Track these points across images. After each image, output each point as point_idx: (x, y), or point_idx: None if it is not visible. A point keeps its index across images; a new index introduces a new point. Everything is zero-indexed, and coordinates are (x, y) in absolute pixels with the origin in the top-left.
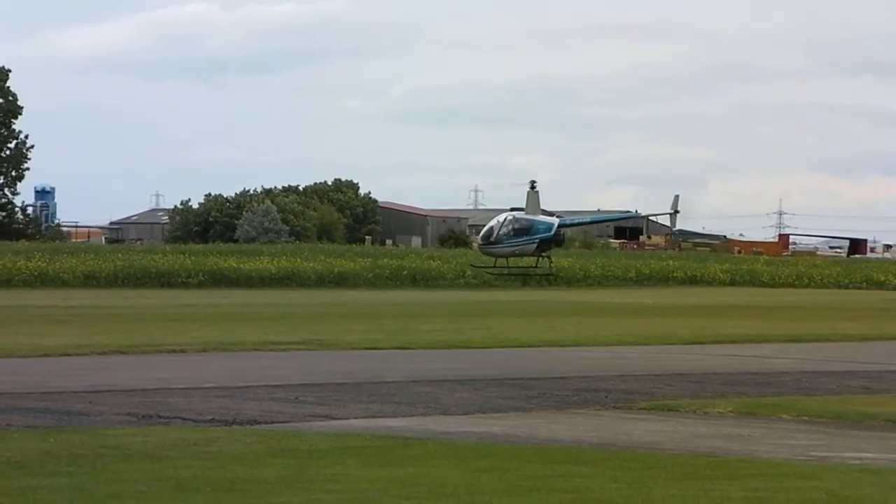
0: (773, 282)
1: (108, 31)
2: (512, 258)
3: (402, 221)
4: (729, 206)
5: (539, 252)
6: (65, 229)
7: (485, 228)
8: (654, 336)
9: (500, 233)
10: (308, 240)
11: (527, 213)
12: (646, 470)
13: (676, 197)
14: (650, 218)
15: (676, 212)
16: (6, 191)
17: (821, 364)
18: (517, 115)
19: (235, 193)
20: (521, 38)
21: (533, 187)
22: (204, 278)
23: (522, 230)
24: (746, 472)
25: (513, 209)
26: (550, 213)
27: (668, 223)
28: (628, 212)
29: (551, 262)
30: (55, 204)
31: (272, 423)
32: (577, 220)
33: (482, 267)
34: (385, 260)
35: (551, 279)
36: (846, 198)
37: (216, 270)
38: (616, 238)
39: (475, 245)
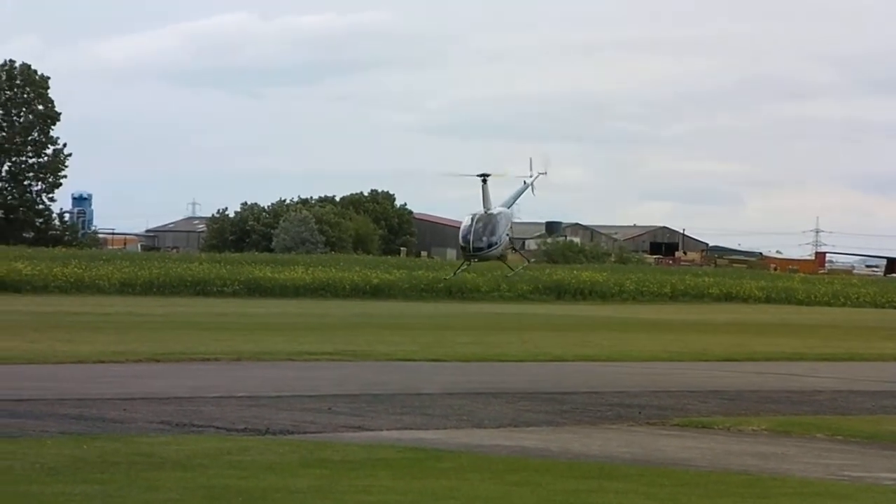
0: (809, 300)
1: (148, 40)
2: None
3: (436, 233)
4: (766, 223)
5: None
6: (101, 236)
7: (473, 231)
8: (688, 352)
9: (490, 233)
10: (344, 250)
11: (485, 209)
12: (678, 486)
13: (531, 159)
14: (531, 184)
15: (543, 173)
16: (43, 197)
17: (856, 383)
18: (552, 128)
19: (272, 203)
20: (557, 51)
21: (484, 181)
22: (239, 287)
23: (503, 230)
24: (780, 491)
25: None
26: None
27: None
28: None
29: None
30: (92, 211)
31: (305, 433)
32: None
33: (513, 272)
34: (420, 272)
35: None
36: (884, 216)
37: (251, 280)
38: (651, 253)
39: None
